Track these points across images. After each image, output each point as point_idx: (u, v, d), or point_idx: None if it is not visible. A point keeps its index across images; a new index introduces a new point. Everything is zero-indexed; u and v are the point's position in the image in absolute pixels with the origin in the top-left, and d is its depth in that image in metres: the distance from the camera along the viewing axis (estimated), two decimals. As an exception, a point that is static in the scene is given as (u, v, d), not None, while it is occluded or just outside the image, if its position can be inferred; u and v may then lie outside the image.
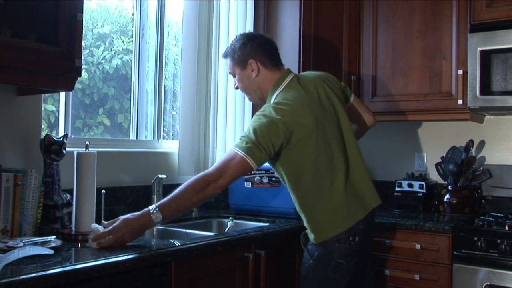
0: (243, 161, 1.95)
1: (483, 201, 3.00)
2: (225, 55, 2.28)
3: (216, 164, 2.01)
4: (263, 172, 2.77)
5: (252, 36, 2.27)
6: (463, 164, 2.97)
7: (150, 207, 1.92)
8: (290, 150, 2.05)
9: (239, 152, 1.96)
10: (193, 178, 1.99)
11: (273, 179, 2.74)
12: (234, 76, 2.28)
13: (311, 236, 2.15)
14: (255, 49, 2.20)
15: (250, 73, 2.20)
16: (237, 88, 2.30)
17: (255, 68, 2.19)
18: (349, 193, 2.11)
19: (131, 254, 1.72)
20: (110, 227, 1.85)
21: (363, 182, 2.18)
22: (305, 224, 2.17)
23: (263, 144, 1.97)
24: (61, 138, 2.12)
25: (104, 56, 2.76)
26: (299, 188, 2.12)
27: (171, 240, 2.00)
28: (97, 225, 1.89)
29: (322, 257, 2.11)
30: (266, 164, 2.87)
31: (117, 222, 1.86)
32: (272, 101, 2.15)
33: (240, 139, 2.01)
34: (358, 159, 2.20)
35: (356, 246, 2.11)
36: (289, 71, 2.25)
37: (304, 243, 2.23)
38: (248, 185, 2.82)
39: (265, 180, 2.72)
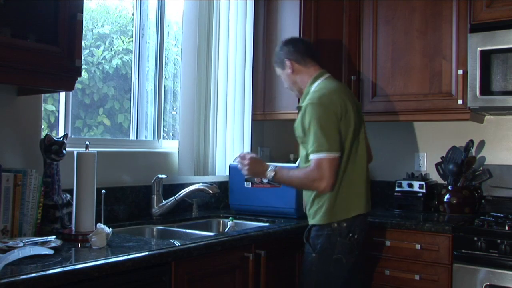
0: (327, 160, 2.17)
1: (483, 201, 3.00)
2: (273, 62, 2.59)
3: (313, 170, 2.20)
4: None
5: (288, 40, 2.54)
6: (463, 164, 2.97)
7: (271, 165, 2.33)
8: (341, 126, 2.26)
9: (320, 157, 2.18)
10: (305, 172, 2.24)
11: None
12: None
13: (318, 217, 2.24)
14: (289, 50, 2.47)
15: (288, 70, 2.45)
16: (287, 88, 2.58)
17: (289, 66, 2.44)
18: (363, 186, 2.32)
19: (131, 254, 1.72)
20: (252, 155, 2.39)
21: (368, 182, 2.37)
22: (317, 205, 2.25)
23: (332, 134, 2.19)
24: (61, 138, 2.12)
25: (104, 56, 2.76)
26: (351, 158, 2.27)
27: (171, 240, 2.01)
28: (103, 226, 1.89)
29: (324, 251, 2.21)
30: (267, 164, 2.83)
31: (256, 156, 2.45)
32: (313, 89, 2.36)
33: (312, 143, 2.20)
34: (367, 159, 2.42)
35: (356, 244, 2.25)
36: (326, 71, 2.48)
37: (307, 238, 2.30)
38: (248, 185, 2.82)
39: (265, 180, 2.72)
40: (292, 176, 2.30)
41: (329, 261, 2.21)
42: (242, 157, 2.41)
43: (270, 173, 2.31)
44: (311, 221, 2.31)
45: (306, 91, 2.40)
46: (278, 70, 2.54)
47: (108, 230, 1.87)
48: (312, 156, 2.20)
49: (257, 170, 2.37)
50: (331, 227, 2.22)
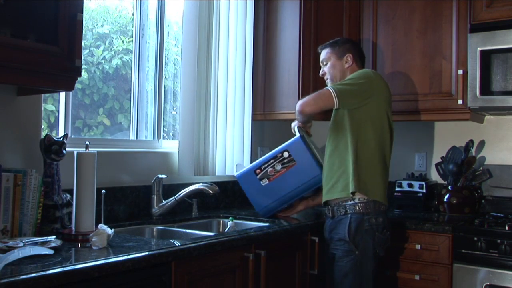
0: (328, 93, 2.40)
1: (483, 201, 3.00)
2: (325, 46, 2.69)
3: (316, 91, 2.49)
4: (271, 161, 2.61)
5: (353, 40, 2.85)
6: (463, 164, 2.97)
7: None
8: (370, 103, 2.43)
9: (328, 88, 2.43)
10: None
11: (285, 160, 2.57)
12: (325, 64, 2.66)
13: (347, 187, 2.34)
14: (354, 48, 2.66)
15: (344, 63, 2.60)
16: (322, 75, 2.67)
17: (349, 61, 2.60)
18: (380, 176, 2.44)
19: (131, 254, 1.72)
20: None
21: (386, 177, 2.53)
22: (344, 180, 2.37)
23: (352, 93, 2.41)
24: (61, 138, 2.12)
25: (104, 56, 2.76)
26: (369, 141, 2.42)
27: (171, 240, 2.00)
28: (104, 226, 1.89)
29: (367, 248, 2.31)
30: (269, 154, 2.73)
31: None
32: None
33: (337, 83, 2.49)
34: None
35: (388, 238, 2.41)
36: None
37: (342, 237, 2.34)
38: (265, 182, 2.63)
39: (278, 167, 2.59)
40: None
41: (371, 257, 2.33)
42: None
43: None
44: (340, 194, 2.38)
45: None
46: (331, 57, 2.63)
47: (110, 231, 1.87)
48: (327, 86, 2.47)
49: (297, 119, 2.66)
50: (369, 222, 2.32)
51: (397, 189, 3.11)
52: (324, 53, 2.67)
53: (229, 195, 3.13)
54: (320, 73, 2.69)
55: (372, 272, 2.35)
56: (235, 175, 2.79)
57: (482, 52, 2.70)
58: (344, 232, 2.34)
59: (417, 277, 2.57)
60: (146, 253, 1.76)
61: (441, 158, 3.13)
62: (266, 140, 3.51)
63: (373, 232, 2.33)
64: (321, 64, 2.70)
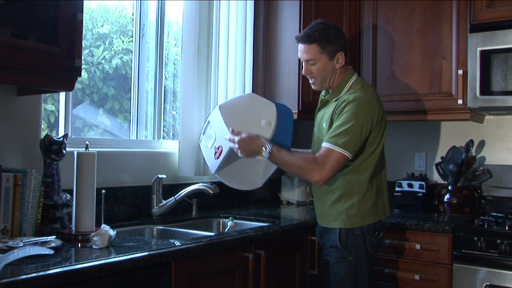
0: (339, 154, 2.12)
1: (483, 201, 3.00)
2: (311, 39, 2.27)
3: (319, 157, 2.15)
4: None
5: (339, 29, 2.35)
6: (463, 164, 2.97)
7: (267, 144, 2.18)
8: (374, 132, 2.22)
9: (334, 148, 2.12)
10: (308, 157, 2.18)
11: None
12: (312, 64, 2.29)
13: (345, 220, 2.22)
14: (344, 41, 2.31)
15: (335, 63, 2.28)
16: (307, 74, 2.33)
17: (341, 60, 2.28)
18: (386, 190, 2.36)
19: (131, 254, 1.72)
20: (242, 136, 2.20)
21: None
22: (343, 207, 2.23)
23: (357, 137, 2.14)
24: (61, 138, 2.12)
25: (104, 56, 2.76)
26: (362, 169, 2.23)
27: (171, 240, 2.01)
28: (107, 227, 1.89)
29: (359, 253, 2.23)
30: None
31: (245, 135, 2.20)
32: (351, 87, 2.28)
33: (333, 132, 2.16)
34: None
35: (381, 241, 2.33)
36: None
37: (334, 245, 2.26)
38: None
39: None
40: (291, 159, 2.18)
41: (364, 260, 2.25)
42: (236, 133, 2.22)
43: (265, 154, 2.19)
44: (334, 224, 2.25)
45: (339, 88, 2.29)
46: (322, 58, 2.27)
47: (112, 232, 1.87)
48: (327, 144, 2.14)
49: (251, 148, 2.21)
50: (360, 228, 2.23)
51: (397, 189, 3.11)
52: (312, 51, 2.27)
53: (229, 195, 3.13)
54: (304, 72, 2.33)
55: (367, 276, 2.27)
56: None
57: (482, 52, 2.70)
58: (335, 239, 2.24)
59: (417, 277, 2.57)
60: (146, 253, 1.77)
61: (441, 158, 3.13)
62: (266, 140, 3.50)
63: (364, 236, 2.22)
64: (304, 61, 2.32)
